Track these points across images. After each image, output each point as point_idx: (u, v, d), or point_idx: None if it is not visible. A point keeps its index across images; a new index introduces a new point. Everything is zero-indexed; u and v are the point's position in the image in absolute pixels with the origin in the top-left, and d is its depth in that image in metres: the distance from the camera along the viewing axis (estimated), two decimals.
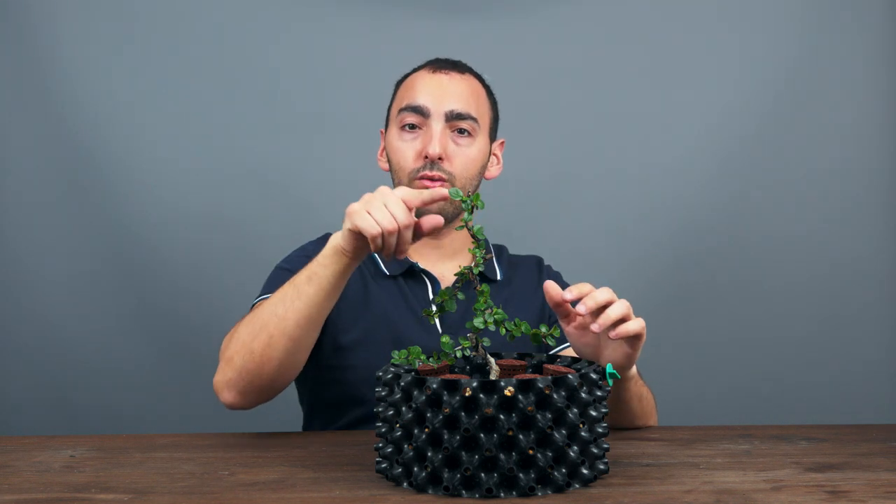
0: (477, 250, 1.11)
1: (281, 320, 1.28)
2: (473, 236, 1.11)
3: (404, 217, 1.17)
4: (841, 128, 2.22)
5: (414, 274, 1.55)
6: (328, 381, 1.50)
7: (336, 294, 1.28)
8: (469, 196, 1.11)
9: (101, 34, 2.16)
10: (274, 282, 1.49)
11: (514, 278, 1.59)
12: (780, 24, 2.22)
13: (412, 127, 1.51)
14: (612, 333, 1.18)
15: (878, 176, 2.22)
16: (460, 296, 1.13)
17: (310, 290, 1.26)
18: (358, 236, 1.21)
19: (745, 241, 2.22)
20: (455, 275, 1.15)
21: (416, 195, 1.19)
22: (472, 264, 1.10)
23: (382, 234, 1.17)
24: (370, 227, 1.17)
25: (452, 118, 1.50)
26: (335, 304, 1.31)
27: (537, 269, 1.62)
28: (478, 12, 2.21)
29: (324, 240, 1.60)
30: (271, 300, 1.31)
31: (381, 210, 1.17)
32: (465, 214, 1.10)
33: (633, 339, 1.21)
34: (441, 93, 1.51)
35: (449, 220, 1.53)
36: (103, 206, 2.15)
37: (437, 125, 1.49)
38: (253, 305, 1.47)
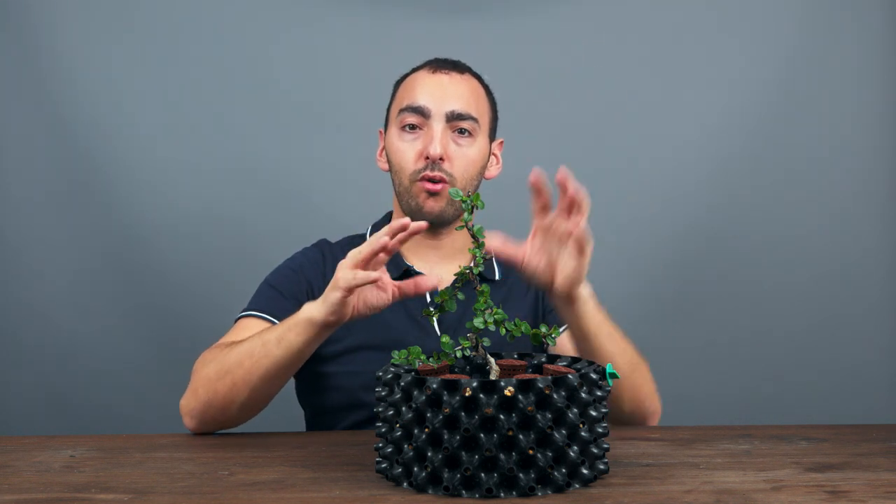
0: (477, 250, 1.11)
1: (246, 373, 1.30)
2: (473, 236, 1.11)
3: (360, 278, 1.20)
4: (841, 128, 2.22)
5: (409, 277, 1.54)
6: (326, 387, 1.50)
7: (306, 355, 1.31)
8: (469, 196, 1.11)
9: (101, 33, 2.15)
10: (261, 298, 1.50)
11: (509, 276, 1.59)
12: (779, 25, 2.22)
13: (412, 127, 1.51)
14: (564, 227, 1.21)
15: (878, 176, 2.22)
16: (460, 296, 1.13)
17: (278, 353, 1.29)
18: (341, 304, 1.22)
19: (744, 241, 2.21)
20: (455, 275, 1.15)
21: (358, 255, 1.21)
22: (472, 264, 1.10)
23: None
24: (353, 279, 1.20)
25: (453, 118, 1.50)
26: None
27: None
28: (478, 12, 2.20)
29: (318, 247, 1.60)
30: (241, 348, 1.32)
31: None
32: (465, 214, 1.10)
33: (580, 247, 1.21)
34: (441, 93, 1.50)
35: (449, 221, 1.53)
36: (103, 207, 2.15)
37: (438, 125, 1.49)
38: (237, 319, 1.48)
